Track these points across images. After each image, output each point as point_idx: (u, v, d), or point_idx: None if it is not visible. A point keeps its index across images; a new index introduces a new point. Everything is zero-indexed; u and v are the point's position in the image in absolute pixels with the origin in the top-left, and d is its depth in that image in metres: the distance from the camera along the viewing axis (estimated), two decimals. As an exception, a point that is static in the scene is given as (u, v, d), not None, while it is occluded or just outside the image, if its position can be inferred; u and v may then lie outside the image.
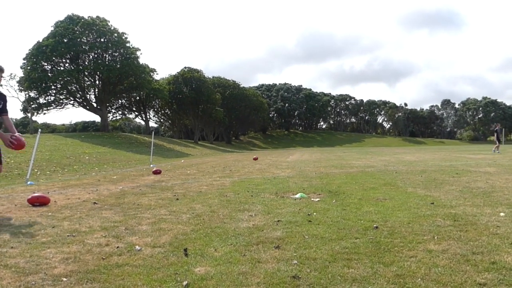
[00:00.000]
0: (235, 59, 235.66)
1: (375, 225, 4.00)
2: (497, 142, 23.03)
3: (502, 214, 4.46)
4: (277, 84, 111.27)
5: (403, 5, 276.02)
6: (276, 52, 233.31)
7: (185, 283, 2.56)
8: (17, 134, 5.19)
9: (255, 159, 17.21)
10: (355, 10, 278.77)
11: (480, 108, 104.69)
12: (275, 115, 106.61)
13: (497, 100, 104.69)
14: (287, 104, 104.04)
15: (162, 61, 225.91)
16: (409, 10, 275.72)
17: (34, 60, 37.87)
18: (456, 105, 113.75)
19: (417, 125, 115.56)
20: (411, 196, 6.04)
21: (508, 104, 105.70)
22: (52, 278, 2.72)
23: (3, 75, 5.12)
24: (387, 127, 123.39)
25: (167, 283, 2.59)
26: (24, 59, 39.16)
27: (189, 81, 56.85)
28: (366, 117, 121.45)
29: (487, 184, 7.31)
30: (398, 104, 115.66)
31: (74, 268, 2.90)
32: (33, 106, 42.16)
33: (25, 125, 72.31)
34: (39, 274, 2.79)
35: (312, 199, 6.00)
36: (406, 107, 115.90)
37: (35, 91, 40.31)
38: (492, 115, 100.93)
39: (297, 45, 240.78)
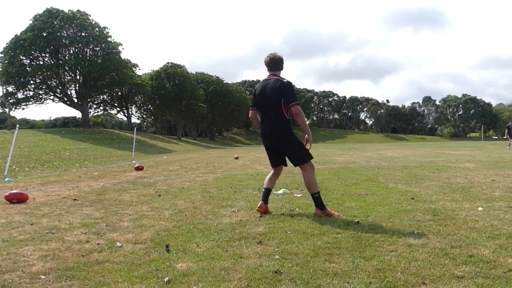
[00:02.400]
0: (221, 55, 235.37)
1: (356, 220, 4.04)
2: (509, 139, 22.66)
3: (480, 208, 4.55)
4: (261, 80, 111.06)
5: (388, 4, 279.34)
6: (262, 49, 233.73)
7: (166, 279, 2.54)
8: None
9: (236, 158, 17.19)
10: (341, 8, 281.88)
11: (460, 105, 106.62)
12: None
13: (477, 98, 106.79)
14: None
15: (145, 56, 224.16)
16: (394, 8, 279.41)
17: (12, 54, 36.98)
18: (437, 102, 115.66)
19: (399, 122, 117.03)
20: (392, 191, 6.11)
21: (487, 101, 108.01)
22: (30, 276, 2.66)
23: None
24: (369, 123, 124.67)
25: (148, 280, 2.56)
26: (1, 53, 38.19)
27: (172, 77, 56.36)
28: (349, 114, 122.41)
29: (466, 179, 7.45)
30: (380, 101, 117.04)
31: (53, 266, 2.85)
32: (11, 101, 41.16)
33: (2, 121, 70.51)
34: (16, 272, 2.73)
35: (295, 194, 6.02)
36: (388, 103, 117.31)
37: (13, 86, 39.35)
38: (472, 112, 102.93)
39: (283, 42, 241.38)
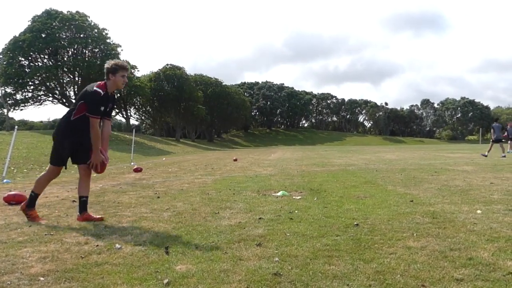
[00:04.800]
0: (223, 57, 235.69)
1: (355, 223, 4.04)
2: (510, 142, 21.82)
3: (479, 211, 4.56)
4: (260, 82, 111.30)
5: (389, 7, 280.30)
6: (264, 51, 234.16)
7: (165, 281, 2.54)
8: (107, 154, 4.65)
9: (235, 160, 17.19)
10: (343, 11, 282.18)
11: (459, 108, 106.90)
12: (257, 113, 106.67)
13: (475, 100, 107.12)
14: (269, 103, 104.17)
15: (145, 58, 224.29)
16: (395, 12, 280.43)
17: (11, 55, 36.97)
18: (435, 105, 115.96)
19: (397, 124, 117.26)
20: (391, 194, 6.12)
21: (485, 104, 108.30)
22: (28, 277, 2.65)
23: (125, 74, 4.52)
24: (368, 126, 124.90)
25: (148, 282, 2.56)
26: (0, 54, 38.14)
27: (171, 78, 56.41)
28: (348, 116, 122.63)
29: (464, 182, 7.46)
30: (379, 104, 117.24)
31: (52, 267, 2.84)
32: (9, 102, 41.10)
33: (1, 122, 70.36)
34: (15, 274, 2.72)
35: (294, 197, 6.02)
36: (387, 106, 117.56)
37: (11, 87, 39.31)
38: (470, 114, 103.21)
39: (285, 45, 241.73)
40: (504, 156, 16.06)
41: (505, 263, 2.74)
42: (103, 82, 4.48)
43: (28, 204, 4.56)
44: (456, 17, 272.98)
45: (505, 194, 5.89)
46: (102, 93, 4.36)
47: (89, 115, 4.34)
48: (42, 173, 4.71)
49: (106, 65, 4.49)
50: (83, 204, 4.58)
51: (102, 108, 4.41)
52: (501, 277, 2.50)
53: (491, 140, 18.32)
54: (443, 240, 3.36)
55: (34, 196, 4.59)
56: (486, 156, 16.27)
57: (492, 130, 19.33)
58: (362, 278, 2.52)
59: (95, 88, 4.38)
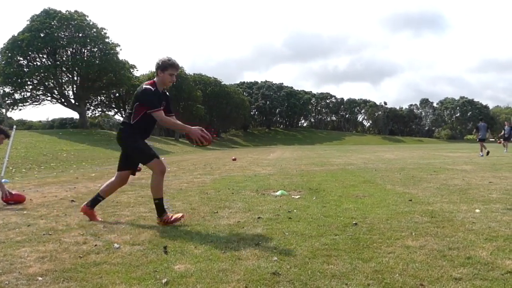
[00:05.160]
0: (222, 57, 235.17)
1: (354, 222, 4.04)
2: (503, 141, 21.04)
3: (477, 210, 4.56)
4: (259, 82, 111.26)
5: (389, 7, 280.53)
6: (263, 51, 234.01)
7: (164, 280, 2.53)
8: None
9: (234, 159, 17.18)
10: (342, 11, 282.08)
11: (458, 108, 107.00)
12: (256, 112, 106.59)
13: (474, 100, 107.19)
14: (268, 102, 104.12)
15: (144, 58, 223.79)
16: (395, 12, 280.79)
17: (9, 54, 36.91)
18: (435, 104, 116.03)
19: (396, 124, 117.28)
20: (390, 193, 6.12)
21: (484, 104, 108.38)
22: (26, 277, 2.65)
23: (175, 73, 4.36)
24: (367, 125, 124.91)
25: (146, 281, 2.55)
26: (-2, 53, 38.09)
27: (170, 78, 56.34)
28: (347, 116, 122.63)
29: (463, 181, 7.47)
30: (378, 103, 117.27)
31: (50, 267, 2.84)
32: (8, 101, 41.04)
33: None
34: (13, 274, 2.71)
35: (293, 196, 6.02)
36: (386, 106, 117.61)
37: (10, 86, 39.24)
38: (469, 114, 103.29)
39: (284, 44, 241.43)
40: (482, 156, 16.19)
41: (504, 262, 2.74)
42: (151, 80, 4.36)
43: (158, 213, 4.32)
44: (455, 17, 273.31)
45: (504, 193, 5.90)
46: (153, 88, 4.23)
47: (150, 111, 4.18)
48: (151, 179, 4.47)
49: (157, 61, 4.32)
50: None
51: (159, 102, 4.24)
52: (500, 276, 2.50)
53: (477, 139, 18.32)
54: (442, 239, 3.36)
55: (159, 203, 4.35)
56: (482, 156, 16.31)
57: (475, 129, 19.43)
58: (361, 277, 2.52)
59: (144, 86, 4.27)
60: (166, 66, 4.25)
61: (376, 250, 3.09)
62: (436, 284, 2.39)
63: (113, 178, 4.60)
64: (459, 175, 8.66)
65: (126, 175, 4.57)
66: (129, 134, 4.36)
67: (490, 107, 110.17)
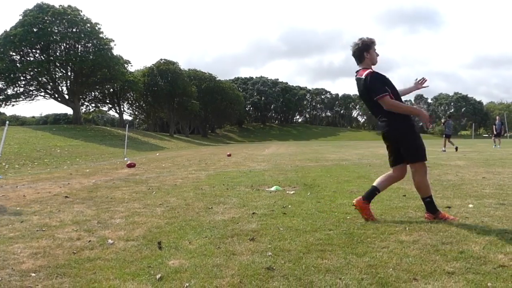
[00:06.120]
0: (217, 52, 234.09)
1: (348, 217, 4.05)
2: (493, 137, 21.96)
3: (470, 205, 4.59)
4: (254, 77, 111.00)
5: (384, 3, 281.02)
6: (258, 46, 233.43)
7: (158, 276, 2.53)
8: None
9: (229, 155, 17.19)
10: (337, 7, 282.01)
11: (452, 103, 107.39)
12: (251, 108, 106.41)
13: (468, 96, 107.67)
14: (263, 98, 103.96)
15: (139, 53, 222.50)
16: (389, 8, 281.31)
17: (2, 50, 36.49)
18: (429, 100, 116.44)
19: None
20: (384, 188, 6.13)
21: (478, 99, 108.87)
22: (20, 273, 2.63)
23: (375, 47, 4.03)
24: (361, 121, 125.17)
25: (140, 277, 2.55)
26: (-10, 48, 37.66)
27: (165, 74, 56.10)
28: (342, 111, 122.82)
29: (457, 177, 7.51)
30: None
31: (44, 263, 2.82)
32: (0, 97, 40.68)
33: (-8, 117, 69.76)
34: (6, 270, 2.70)
35: (287, 191, 6.03)
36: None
37: (2, 82, 38.87)
38: (463, 110, 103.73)
39: (280, 40, 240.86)
40: (444, 151, 16.83)
41: (496, 256, 2.76)
42: (360, 69, 4.03)
43: (432, 211, 3.93)
44: (450, 13, 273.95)
45: (497, 188, 5.94)
46: (370, 74, 3.91)
47: (377, 99, 3.86)
48: (416, 179, 3.94)
49: (354, 47, 4.01)
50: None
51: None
52: (492, 270, 2.52)
53: (444, 135, 19.64)
54: (435, 234, 3.38)
55: (430, 201, 3.93)
56: (445, 151, 16.86)
57: (442, 124, 20.94)
58: (355, 272, 2.54)
59: (361, 77, 3.95)
60: (369, 44, 4.00)
61: (370, 245, 3.10)
62: (429, 278, 2.41)
63: (390, 172, 4.15)
64: (452, 170, 8.71)
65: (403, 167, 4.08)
66: (401, 121, 4.01)
67: (484, 103, 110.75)
